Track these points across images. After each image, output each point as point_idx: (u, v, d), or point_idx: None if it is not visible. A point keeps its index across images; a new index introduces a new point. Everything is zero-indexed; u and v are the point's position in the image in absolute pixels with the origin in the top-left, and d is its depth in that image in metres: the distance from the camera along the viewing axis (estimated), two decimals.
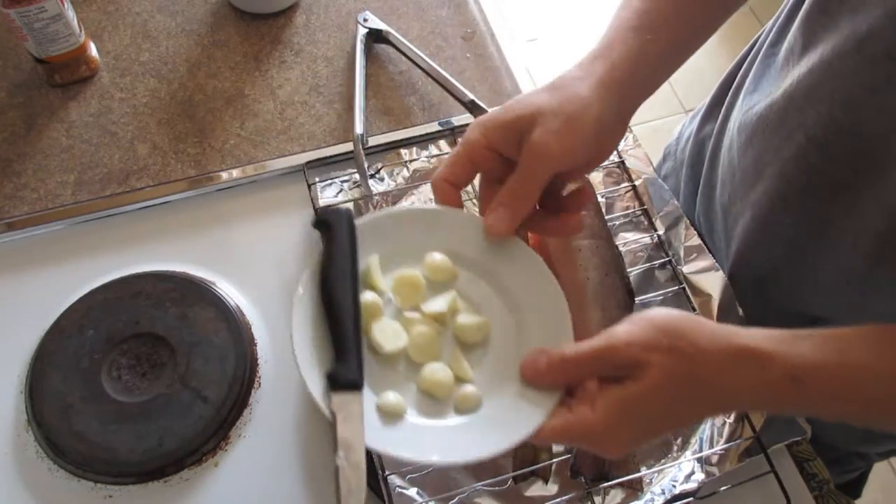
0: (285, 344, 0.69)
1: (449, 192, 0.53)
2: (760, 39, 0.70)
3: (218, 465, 0.64)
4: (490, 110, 0.52)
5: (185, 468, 0.63)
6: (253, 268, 0.73)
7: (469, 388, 0.50)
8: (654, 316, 0.47)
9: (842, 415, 0.48)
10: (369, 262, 0.53)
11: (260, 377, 0.68)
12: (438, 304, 0.53)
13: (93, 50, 0.85)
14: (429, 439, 0.48)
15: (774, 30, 0.66)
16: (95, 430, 0.63)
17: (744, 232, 0.68)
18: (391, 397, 0.49)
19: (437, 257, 0.54)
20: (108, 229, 0.76)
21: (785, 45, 0.62)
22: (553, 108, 0.50)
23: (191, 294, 0.69)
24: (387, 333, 0.51)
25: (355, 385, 0.47)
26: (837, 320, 0.64)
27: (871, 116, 0.52)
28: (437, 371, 0.50)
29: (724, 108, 0.73)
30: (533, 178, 0.51)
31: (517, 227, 0.52)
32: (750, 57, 0.70)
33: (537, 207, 0.54)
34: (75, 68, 0.84)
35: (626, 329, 0.46)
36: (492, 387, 0.51)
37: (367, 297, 0.51)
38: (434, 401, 0.50)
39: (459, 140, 0.52)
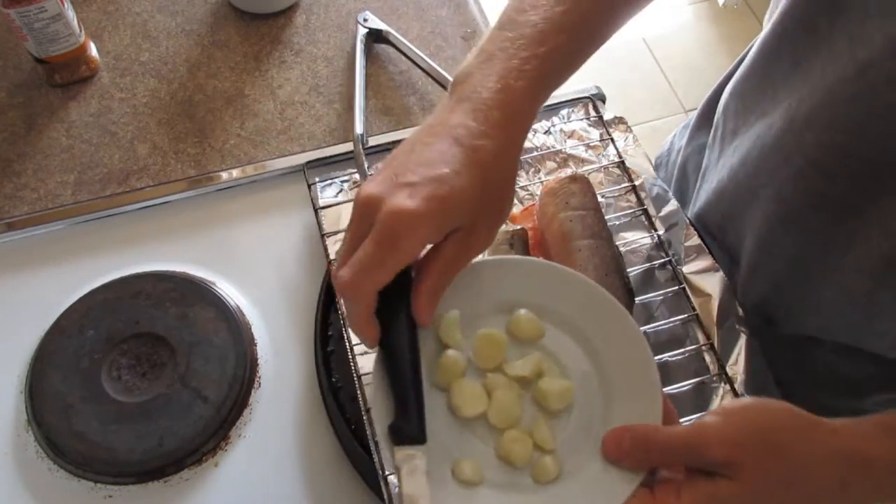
0: (285, 344, 0.69)
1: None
2: (748, 54, 0.69)
3: (218, 465, 0.64)
4: (409, 199, 0.43)
5: (185, 468, 0.63)
6: (253, 268, 0.73)
7: (548, 460, 0.47)
8: (752, 408, 0.46)
9: None
10: (449, 317, 0.49)
11: (260, 377, 0.68)
12: (522, 366, 0.49)
13: (93, 50, 0.85)
14: None
15: (757, 51, 0.63)
16: (95, 430, 0.63)
17: (746, 254, 0.67)
18: (468, 470, 0.46)
19: (523, 314, 0.51)
20: (108, 229, 0.76)
21: (773, 64, 0.62)
22: (489, 201, 0.47)
23: (191, 294, 0.69)
24: (466, 396, 0.48)
25: (417, 440, 0.45)
26: (835, 341, 0.64)
27: (873, 141, 0.52)
28: (517, 439, 0.47)
29: (714, 123, 0.73)
30: (462, 269, 0.48)
31: None
32: (739, 70, 0.69)
33: None
34: (75, 68, 0.84)
35: (720, 423, 0.44)
36: (572, 458, 0.48)
37: (448, 355, 0.49)
38: (512, 469, 0.47)
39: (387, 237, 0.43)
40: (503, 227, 0.70)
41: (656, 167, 0.89)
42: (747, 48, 0.70)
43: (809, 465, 0.44)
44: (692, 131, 0.80)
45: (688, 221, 0.71)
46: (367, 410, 0.61)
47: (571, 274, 0.52)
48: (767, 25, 0.60)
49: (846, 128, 0.53)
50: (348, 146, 0.78)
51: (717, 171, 0.70)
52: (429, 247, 0.46)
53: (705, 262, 0.69)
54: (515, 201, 0.74)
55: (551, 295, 0.52)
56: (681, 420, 0.59)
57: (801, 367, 0.70)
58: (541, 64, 0.48)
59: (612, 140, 0.76)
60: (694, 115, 0.82)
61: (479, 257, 0.50)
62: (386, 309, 0.45)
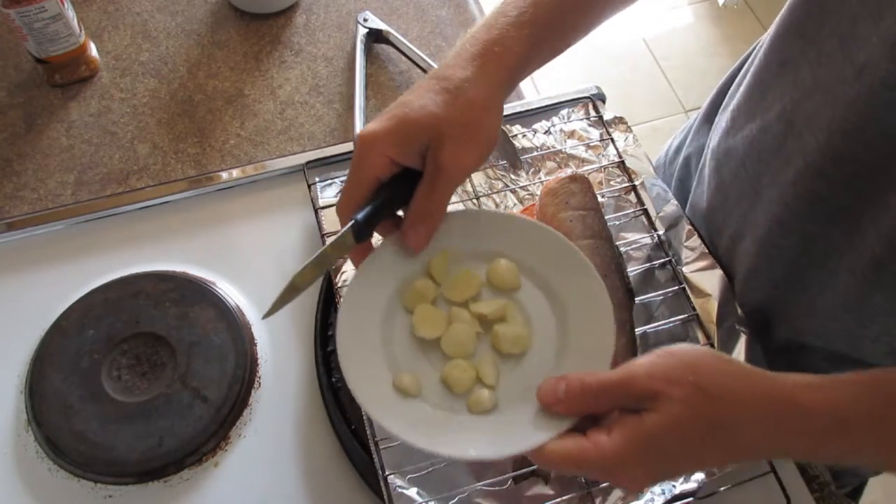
0: (285, 344, 0.69)
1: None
2: (748, 59, 0.70)
3: (218, 465, 0.64)
4: (374, 123, 0.50)
5: (185, 468, 0.63)
6: (253, 268, 0.73)
7: (486, 393, 0.50)
8: (678, 350, 0.46)
9: (885, 461, 0.47)
10: (440, 254, 0.55)
11: (260, 377, 0.68)
12: (486, 306, 0.53)
13: (93, 50, 0.85)
14: (423, 425, 0.49)
15: (755, 56, 0.65)
16: (95, 430, 0.63)
17: (745, 256, 0.67)
18: (406, 380, 0.50)
19: (503, 263, 0.55)
20: (108, 229, 0.76)
21: (763, 68, 0.62)
22: (454, 119, 0.50)
23: (191, 294, 0.69)
24: (427, 319, 0.53)
25: (357, 231, 0.51)
26: (828, 348, 0.64)
27: (871, 143, 0.52)
28: (461, 368, 0.51)
29: (714, 124, 0.73)
30: (446, 193, 0.51)
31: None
32: (739, 76, 0.69)
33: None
34: (75, 68, 0.84)
35: (649, 360, 0.45)
36: (510, 399, 0.50)
37: (422, 281, 0.54)
38: (450, 395, 0.51)
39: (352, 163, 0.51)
40: None
41: (655, 170, 0.89)
42: (750, 49, 0.70)
43: (739, 406, 0.43)
44: (695, 132, 0.80)
45: (687, 221, 0.71)
46: None
47: (565, 241, 0.56)
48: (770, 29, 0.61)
49: (844, 130, 0.53)
50: (348, 146, 0.78)
51: (717, 173, 0.70)
52: None
53: (705, 262, 0.69)
54: (515, 201, 0.74)
55: (539, 255, 0.55)
56: None
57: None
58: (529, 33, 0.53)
59: (612, 140, 0.76)
60: (694, 116, 0.82)
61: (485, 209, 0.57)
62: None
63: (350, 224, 0.50)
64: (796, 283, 0.63)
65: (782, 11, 0.58)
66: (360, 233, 0.51)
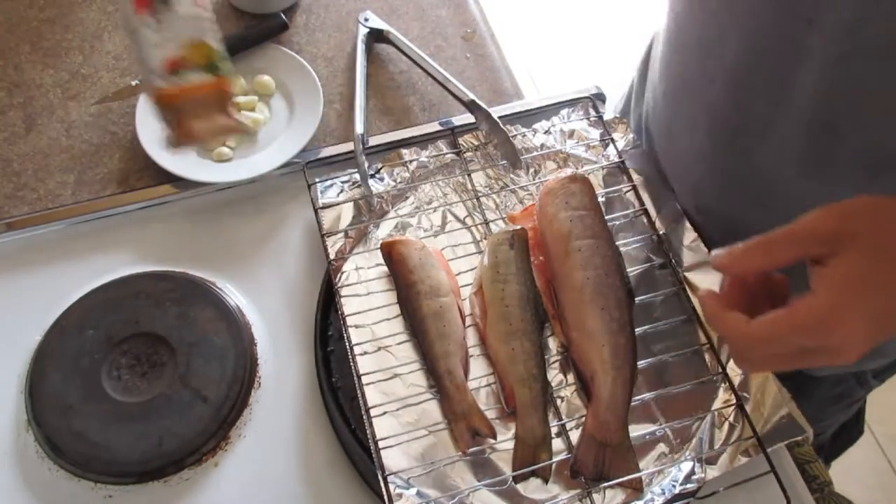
0: (285, 344, 0.69)
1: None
2: None
3: (218, 465, 0.64)
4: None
5: (185, 468, 0.63)
6: (253, 268, 0.73)
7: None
8: (835, 204, 0.41)
9: None
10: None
11: (260, 377, 0.68)
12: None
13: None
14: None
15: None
16: (95, 430, 0.63)
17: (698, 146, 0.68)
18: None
19: (265, 77, 0.82)
20: (108, 229, 0.76)
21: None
22: None
23: (191, 294, 0.69)
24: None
25: None
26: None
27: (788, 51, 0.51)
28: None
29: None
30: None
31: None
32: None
33: None
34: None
35: (813, 213, 0.41)
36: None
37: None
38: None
39: None
40: (503, 227, 0.71)
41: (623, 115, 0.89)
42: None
43: None
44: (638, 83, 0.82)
45: (688, 221, 0.71)
46: (367, 410, 0.61)
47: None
48: None
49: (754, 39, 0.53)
50: (348, 146, 0.78)
51: (662, 82, 0.71)
52: None
53: (705, 262, 0.69)
54: (515, 201, 0.74)
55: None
56: (679, 420, 0.59)
57: None
58: None
59: (612, 140, 0.76)
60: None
61: None
62: None
63: None
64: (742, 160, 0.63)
65: None
66: None
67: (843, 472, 0.87)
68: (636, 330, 0.64)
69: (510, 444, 0.61)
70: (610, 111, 0.82)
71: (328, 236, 0.70)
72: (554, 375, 0.65)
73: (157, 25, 0.53)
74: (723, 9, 0.56)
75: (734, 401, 0.63)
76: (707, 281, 0.68)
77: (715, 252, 0.45)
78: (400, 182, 0.75)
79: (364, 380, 0.62)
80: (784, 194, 0.61)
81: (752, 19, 0.53)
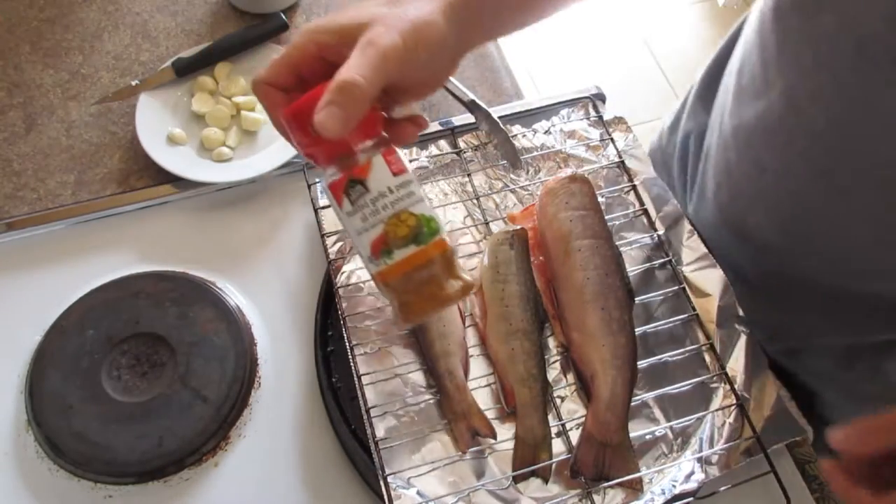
0: (285, 344, 0.69)
1: (269, 92, 0.49)
2: (738, 34, 0.69)
3: (218, 465, 0.64)
4: (320, 19, 0.48)
5: (185, 468, 0.63)
6: (253, 268, 0.73)
7: (226, 149, 0.79)
8: None
9: None
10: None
11: (260, 377, 0.68)
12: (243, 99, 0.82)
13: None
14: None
15: (749, 30, 0.64)
16: (95, 430, 0.63)
17: (756, 230, 0.67)
18: (176, 131, 0.77)
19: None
20: (108, 229, 0.76)
21: (759, 46, 0.62)
22: (396, 13, 0.46)
23: (191, 294, 0.69)
24: (203, 102, 0.82)
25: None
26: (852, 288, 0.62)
27: (872, 117, 0.52)
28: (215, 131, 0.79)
29: (715, 103, 0.72)
30: (375, 71, 0.44)
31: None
32: (735, 53, 0.69)
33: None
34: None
35: None
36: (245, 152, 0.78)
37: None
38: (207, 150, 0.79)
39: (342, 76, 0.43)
40: (503, 227, 0.71)
41: (651, 153, 0.88)
42: (739, 22, 0.70)
43: None
44: (691, 110, 0.80)
45: (688, 220, 0.71)
46: (368, 410, 0.61)
47: None
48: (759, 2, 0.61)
49: (848, 103, 0.52)
50: None
51: (724, 151, 0.70)
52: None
53: (705, 261, 0.69)
54: (515, 201, 0.74)
55: None
56: (679, 420, 0.59)
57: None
58: None
59: (612, 140, 0.76)
60: (685, 96, 0.81)
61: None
62: None
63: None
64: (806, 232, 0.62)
65: None
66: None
67: None
68: (636, 330, 0.64)
69: (510, 444, 0.61)
70: (610, 112, 0.82)
71: (328, 236, 0.70)
72: (554, 375, 0.65)
73: (358, 211, 0.49)
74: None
75: (734, 401, 0.63)
76: (707, 281, 0.68)
77: (832, 433, 0.44)
78: None
79: (364, 380, 0.62)
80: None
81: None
